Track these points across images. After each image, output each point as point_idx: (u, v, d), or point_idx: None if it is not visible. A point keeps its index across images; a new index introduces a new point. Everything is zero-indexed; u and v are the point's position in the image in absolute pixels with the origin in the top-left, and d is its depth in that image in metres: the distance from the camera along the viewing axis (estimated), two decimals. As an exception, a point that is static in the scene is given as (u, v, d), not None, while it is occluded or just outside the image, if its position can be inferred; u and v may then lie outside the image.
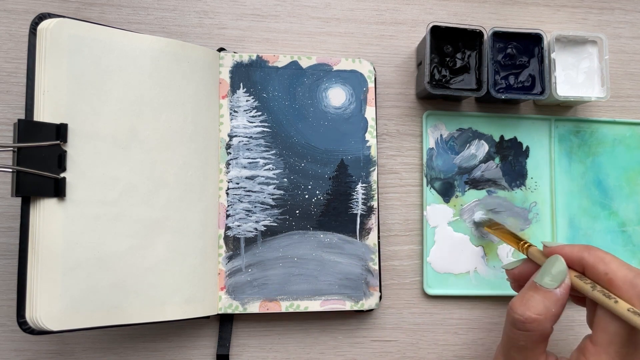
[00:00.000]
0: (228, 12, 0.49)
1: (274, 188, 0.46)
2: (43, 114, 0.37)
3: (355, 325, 0.48)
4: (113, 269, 0.39)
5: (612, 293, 0.32)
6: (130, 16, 0.48)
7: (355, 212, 0.46)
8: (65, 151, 0.37)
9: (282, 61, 0.47)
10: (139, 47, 0.41)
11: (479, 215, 0.49)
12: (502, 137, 0.50)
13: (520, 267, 0.39)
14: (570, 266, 0.35)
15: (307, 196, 0.46)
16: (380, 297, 0.46)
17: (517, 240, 0.42)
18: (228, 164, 0.45)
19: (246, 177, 0.46)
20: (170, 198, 0.42)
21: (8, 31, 0.46)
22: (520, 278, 0.39)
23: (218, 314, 0.44)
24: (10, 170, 0.35)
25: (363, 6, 0.51)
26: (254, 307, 0.44)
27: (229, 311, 0.44)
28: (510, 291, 0.48)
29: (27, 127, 0.36)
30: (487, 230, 0.47)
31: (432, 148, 0.50)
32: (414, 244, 0.49)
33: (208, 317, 0.44)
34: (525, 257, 0.40)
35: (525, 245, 0.40)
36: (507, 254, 0.49)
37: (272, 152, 0.46)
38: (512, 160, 0.50)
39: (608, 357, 0.32)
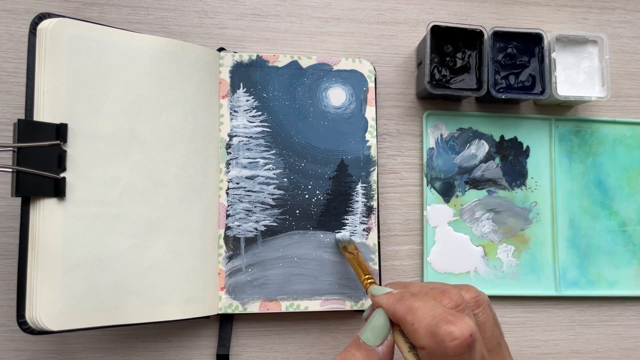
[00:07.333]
0: (228, 12, 0.49)
1: (274, 188, 0.46)
2: (43, 113, 0.37)
3: (355, 325, 0.48)
4: (113, 268, 0.39)
5: (417, 343, 0.29)
6: (130, 16, 0.48)
7: (355, 212, 0.46)
8: (65, 151, 0.37)
9: (282, 61, 0.47)
10: (138, 47, 0.41)
11: (342, 234, 0.45)
12: (502, 137, 0.50)
13: (370, 312, 0.35)
14: (392, 319, 0.31)
15: (307, 196, 0.46)
16: (381, 297, 0.46)
17: (362, 273, 0.38)
18: (228, 164, 0.45)
19: (246, 177, 0.45)
20: (170, 198, 0.42)
21: (8, 31, 0.46)
22: None
23: (218, 314, 0.44)
24: (10, 170, 0.35)
25: (363, 6, 0.51)
26: (254, 307, 0.44)
27: (229, 311, 0.44)
28: (510, 291, 0.49)
29: (27, 127, 0.36)
30: (342, 251, 0.44)
31: (432, 148, 0.49)
32: (414, 244, 0.49)
33: (208, 317, 0.44)
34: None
35: (367, 282, 0.37)
36: (507, 254, 0.49)
37: (272, 152, 0.46)
38: (513, 160, 0.50)
39: None
